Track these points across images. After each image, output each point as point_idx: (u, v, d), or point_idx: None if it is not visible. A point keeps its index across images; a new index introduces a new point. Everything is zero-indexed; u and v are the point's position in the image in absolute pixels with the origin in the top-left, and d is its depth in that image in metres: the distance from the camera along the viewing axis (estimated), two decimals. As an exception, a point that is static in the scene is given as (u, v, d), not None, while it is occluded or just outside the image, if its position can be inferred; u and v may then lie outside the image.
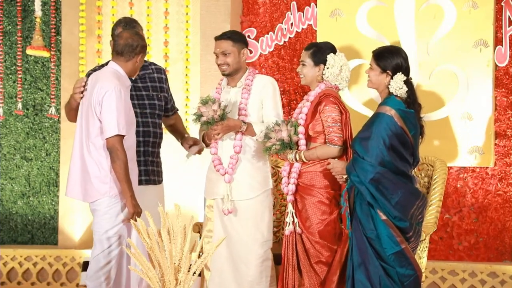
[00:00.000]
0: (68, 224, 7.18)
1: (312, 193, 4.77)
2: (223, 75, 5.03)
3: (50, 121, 7.39)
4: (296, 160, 4.78)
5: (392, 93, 4.55)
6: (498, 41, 6.15)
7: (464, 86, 6.18)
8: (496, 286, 6.00)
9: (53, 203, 7.36)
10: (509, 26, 6.12)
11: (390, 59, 4.56)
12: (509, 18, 6.12)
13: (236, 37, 5.01)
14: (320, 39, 6.49)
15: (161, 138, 5.22)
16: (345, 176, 4.63)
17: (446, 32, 6.23)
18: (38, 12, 7.22)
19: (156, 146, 5.19)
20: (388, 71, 4.55)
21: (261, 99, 5.00)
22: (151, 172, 5.15)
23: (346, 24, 6.46)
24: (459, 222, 6.22)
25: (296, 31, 6.67)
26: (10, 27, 7.45)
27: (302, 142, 4.79)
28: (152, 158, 5.16)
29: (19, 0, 7.39)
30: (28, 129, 7.43)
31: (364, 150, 4.46)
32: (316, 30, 6.61)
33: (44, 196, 7.39)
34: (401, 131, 4.48)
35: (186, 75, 6.93)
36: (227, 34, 5.03)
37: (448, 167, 5.28)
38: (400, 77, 4.53)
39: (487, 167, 6.16)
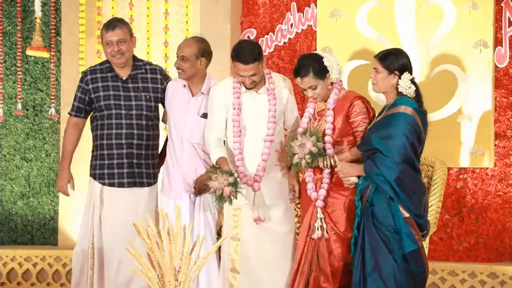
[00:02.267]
0: (68, 225, 7.18)
1: (346, 193, 4.76)
2: (248, 89, 4.91)
3: (50, 122, 7.39)
4: (331, 166, 4.75)
5: (401, 93, 4.59)
6: (498, 42, 6.15)
7: (464, 87, 6.18)
8: (496, 287, 6.00)
9: (53, 203, 7.36)
10: (509, 27, 6.12)
11: (395, 59, 4.61)
12: (509, 18, 6.12)
13: (260, 55, 4.85)
14: (320, 40, 6.50)
15: (151, 140, 5.18)
16: (352, 179, 4.66)
17: (446, 33, 6.23)
18: (38, 13, 7.22)
19: (143, 149, 5.16)
20: (395, 71, 4.59)
21: (285, 100, 4.97)
22: (137, 175, 5.15)
23: (346, 25, 6.46)
24: (459, 222, 6.22)
25: (296, 32, 6.67)
26: (10, 28, 7.45)
27: (329, 152, 4.75)
28: (139, 161, 5.15)
29: (19, 1, 7.38)
30: (28, 130, 7.43)
31: (387, 148, 4.49)
32: (316, 31, 6.61)
33: (44, 197, 7.39)
34: (419, 129, 4.54)
35: (186, 75, 6.93)
36: (252, 56, 4.80)
37: (447, 167, 5.27)
38: (407, 76, 4.58)
39: (487, 168, 6.16)
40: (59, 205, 7.26)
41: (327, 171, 4.76)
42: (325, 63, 4.77)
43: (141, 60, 5.31)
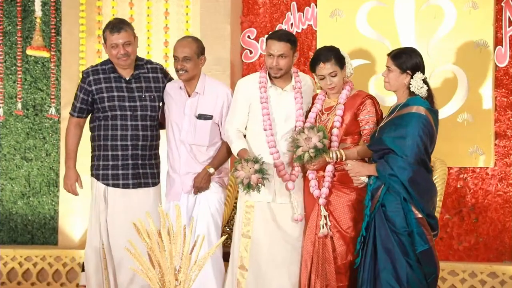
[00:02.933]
0: (68, 225, 7.19)
1: (349, 191, 4.78)
2: (274, 78, 4.92)
3: (50, 122, 7.39)
4: (337, 158, 4.75)
5: (413, 93, 4.60)
6: (498, 42, 6.15)
7: (464, 87, 6.18)
8: (496, 287, 6.00)
9: (53, 203, 7.36)
10: (509, 27, 6.12)
11: (408, 59, 4.61)
12: (509, 18, 6.12)
13: (294, 40, 4.90)
14: (320, 39, 6.49)
15: (154, 140, 5.18)
16: (362, 178, 4.66)
17: (446, 33, 6.23)
18: (38, 12, 7.22)
19: (147, 149, 5.16)
20: (408, 71, 4.60)
21: (309, 99, 4.99)
22: (142, 175, 5.15)
23: (346, 25, 6.46)
24: (459, 222, 6.22)
25: (296, 31, 6.67)
26: (10, 27, 7.45)
27: (335, 144, 4.77)
28: (143, 161, 5.15)
29: (19, 0, 7.39)
30: (28, 130, 7.43)
31: (401, 148, 4.50)
32: (316, 31, 6.60)
33: (44, 197, 7.39)
34: (432, 129, 4.56)
35: (186, 75, 6.93)
36: (287, 36, 4.87)
37: (448, 167, 5.28)
38: (419, 76, 4.60)
39: (487, 168, 6.15)
40: (59, 205, 7.26)
41: (329, 168, 4.77)
42: (341, 53, 4.84)
43: (142, 59, 5.30)
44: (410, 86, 4.60)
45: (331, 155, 4.73)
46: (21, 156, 7.44)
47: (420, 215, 4.51)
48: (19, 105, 7.36)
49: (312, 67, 4.84)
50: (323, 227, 4.75)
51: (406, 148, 4.49)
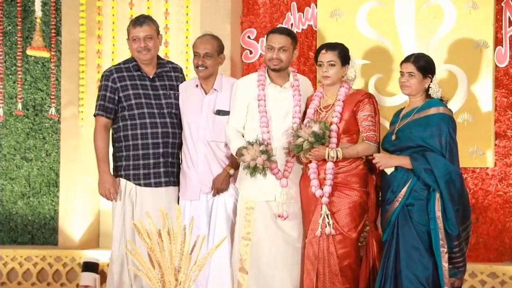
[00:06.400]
0: (68, 225, 7.18)
1: (351, 193, 4.78)
2: (273, 70, 4.94)
3: (50, 122, 7.39)
4: (337, 157, 4.75)
5: (428, 95, 4.75)
6: (498, 42, 6.15)
7: (464, 87, 6.18)
8: (496, 287, 6.00)
9: (53, 203, 7.36)
10: (509, 27, 6.12)
11: (428, 63, 4.75)
12: (509, 18, 6.12)
13: (294, 36, 4.99)
14: (320, 39, 6.49)
15: (177, 138, 5.18)
16: (389, 169, 4.69)
17: (446, 33, 6.23)
18: (38, 13, 7.22)
19: (176, 147, 5.17)
20: (429, 75, 4.74)
21: (306, 99, 5.02)
22: (170, 174, 5.15)
23: (346, 25, 6.46)
24: (459, 222, 6.22)
25: (296, 31, 6.66)
26: (10, 28, 7.45)
27: (334, 140, 4.79)
28: (172, 160, 5.15)
29: (19, 1, 7.39)
30: (28, 130, 7.43)
31: (435, 147, 4.60)
32: (316, 31, 6.61)
33: (44, 197, 7.38)
34: (456, 128, 4.71)
35: (187, 75, 6.93)
36: (287, 30, 5.02)
37: (448, 167, 5.28)
38: (436, 79, 4.77)
39: (487, 168, 6.15)
40: (59, 205, 7.26)
41: (329, 166, 4.76)
42: (349, 57, 4.92)
43: (163, 59, 5.35)
44: (430, 89, 4.74)
45: (331, 154, 4.73)
46: (21, 156, 7.43)
47: (439, 213, 4.55)
48: (19, 105, 7.36)
49: (316, 55, 4.92)
50: (326, 226, 4.74)
51: (438, 146, 4.59)
